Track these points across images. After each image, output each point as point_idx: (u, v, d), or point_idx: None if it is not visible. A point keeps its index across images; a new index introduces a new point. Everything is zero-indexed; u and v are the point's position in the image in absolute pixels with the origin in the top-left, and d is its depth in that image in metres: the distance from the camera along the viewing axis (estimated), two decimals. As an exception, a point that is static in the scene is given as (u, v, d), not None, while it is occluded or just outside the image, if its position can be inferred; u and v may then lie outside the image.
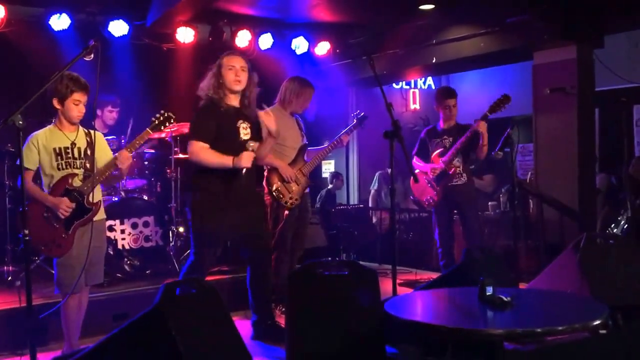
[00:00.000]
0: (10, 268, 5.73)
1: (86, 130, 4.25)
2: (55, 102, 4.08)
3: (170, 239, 6.42)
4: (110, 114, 6.12)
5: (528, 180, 8.04)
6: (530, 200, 7.69)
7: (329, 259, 6.18)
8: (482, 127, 5.60)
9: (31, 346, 3.34)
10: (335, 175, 9.71)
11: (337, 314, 3.20)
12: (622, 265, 4.02)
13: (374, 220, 8.80)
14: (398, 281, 4.24)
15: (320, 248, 7.33)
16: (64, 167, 4.09)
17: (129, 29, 7.02)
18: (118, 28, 6.94)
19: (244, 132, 4.49)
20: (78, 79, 4.09)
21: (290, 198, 5.23)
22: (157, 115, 4.34)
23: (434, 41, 7.97)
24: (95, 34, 6.66)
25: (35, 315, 3.94)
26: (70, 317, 4.18)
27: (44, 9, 6.73)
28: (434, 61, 8.10)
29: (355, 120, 5.56)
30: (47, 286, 5.42)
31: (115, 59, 7.10)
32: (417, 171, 5.92)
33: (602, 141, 8.78)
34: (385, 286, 3.94)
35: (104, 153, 4.29)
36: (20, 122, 3.25)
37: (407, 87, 11.07)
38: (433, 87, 11.45)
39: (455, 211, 6.05)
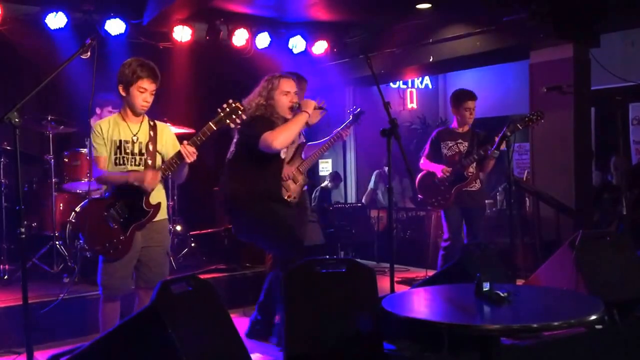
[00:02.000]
0: (7, 266, 5.73)
1: (152, 123, 3.97)
2: (120, 89, 3.84)
3: (168, 237, 6.43)
4: (110, 114, 6.08)
5: (525, 179, 8.05)
6: (527, 198, 7.71)
7: (327, 256, 6.19)
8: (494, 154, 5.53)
9: (28, 344, 3.34)
10: (335, 176, 9.73)
11: (334, 311, 3.20)
12: (617, 262, 4.04)
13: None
14: (395, 279, 4.24)
15: (318, 246, 7.33)
16: (121, 162, 3.85)
17: (126, 28, 7.01)
18: (114, 27, 6.93)
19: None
20: (147, 65, 3.84)
21: (288, 197, 5.22)
22: (224, 105, 3.85)
23: (431, 40, 7.98)
24: (92, 33, 6.65)
25: (32, 313, 3.92)
26: (108, 321, 3.92)
27: (40, 7, 6.72)
28: (430, 60, 8.12)
29: (351, 117, 5.53)
30: (43, 284, 5.43)
31: (111, 57, 7.05)
32: (424, 172, 5.84)
33: (598, 139, 8.82)
34: (383, 284, 3.95)
35: (172, 147, 3.98)
36: (17, 120, 3.25)
37: (405, 86, 11.09)
38: (430, 86, 11.48)
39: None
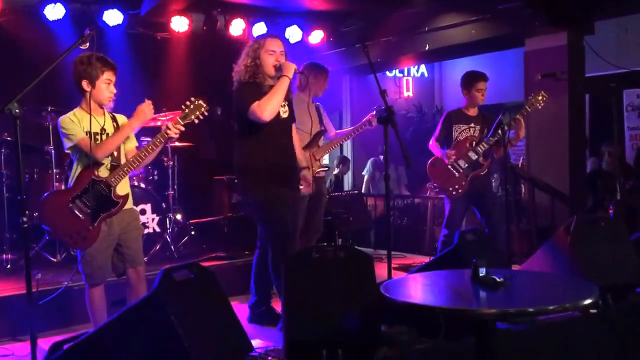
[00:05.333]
0: (9, 256, 5.78)
1: (112, 115, 4.07)
2: (84, 84, 3.85)
3: (168, 225, 6.48)
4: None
5: (520, 165, 8.11)
6: (522, 185, 7.77)
7: (325, 244, 6.24)
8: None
9: (31, 332, 3.38)
10: (343, 160, 9.80)
11: (333, 297, 3.25)
12: (611, 247, 4.09)
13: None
14: (393, 265, 4.29)
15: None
16: None
17: (124, 18, 7.03)
18: (112, 17, 6.95)
19: (282, 109, 4.49)
20: (107, 59, 3.92)
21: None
22: (187, 102, 3.97)
23: (427, 29, 8.01)
24: (90, 24, 6.67)
25: (35, 301, 3.96)
26: (95, 306, 4.06)
27: (38, -2, 6.74)
28: (426, 48, 8.15)
29: (375, 117, 5.55)
30: (46, 273, 5.47)
31: (110, 48, 7.09)
32: (434, 157, 5.75)
33: (592, 126, 8.87)
34: (381, 270, 4.00)
35: (129, 139, 4.10)
36: (17, 111, 3.26)
37: (401, 74, 11.12)
38: (426, 74, 11.51)
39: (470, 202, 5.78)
